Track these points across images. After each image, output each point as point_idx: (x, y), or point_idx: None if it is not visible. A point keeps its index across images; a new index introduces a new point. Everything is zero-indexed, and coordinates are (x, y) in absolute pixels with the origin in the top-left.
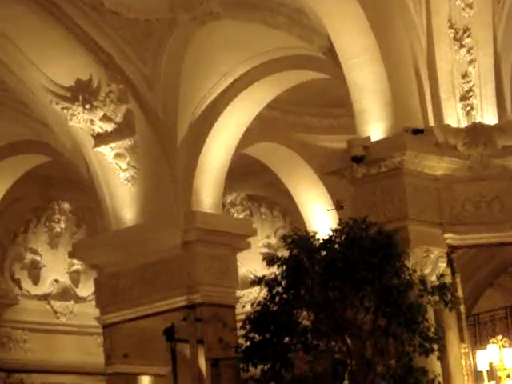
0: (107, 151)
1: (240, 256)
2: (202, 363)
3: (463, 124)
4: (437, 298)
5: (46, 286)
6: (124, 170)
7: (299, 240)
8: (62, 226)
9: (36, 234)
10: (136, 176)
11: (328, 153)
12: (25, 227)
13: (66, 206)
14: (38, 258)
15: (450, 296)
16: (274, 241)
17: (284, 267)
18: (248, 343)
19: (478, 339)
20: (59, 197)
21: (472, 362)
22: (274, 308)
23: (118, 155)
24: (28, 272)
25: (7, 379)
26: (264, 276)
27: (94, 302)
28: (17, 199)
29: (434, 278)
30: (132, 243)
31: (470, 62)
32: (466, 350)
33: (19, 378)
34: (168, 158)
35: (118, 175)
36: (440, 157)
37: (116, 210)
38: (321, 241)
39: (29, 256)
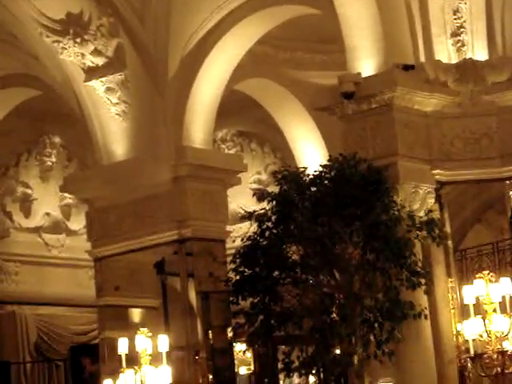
0: (98, 85)
1: (230, 191)
2: (193, 296)
3: (454, 60)
4: (425, 233)
5: (37, 219)
6: (115, 105)
7: (289, 176)
8: (53, 159)
9: (27, 168)
10: (127, 111)
11: (319, 89)
12: (16, 161)
13: (57, 139)
14: (30, 192)
15: (437, 231)
16: (264, 177)
17: (274, 203)
18: (238, 277)
19: (465, 274)
20: (50, 131)
21: (459, 297)
22: (264, 243)
23: (108, 89)
24: (19, 205)
25: None
26: (254, 211)
27: (85, 236)
28: (8, 133)
29: (422, 213)
30: (123, 178)
31: None
32: (453, 285)
33: (11, 309)
34: (159, 93)
35: (108, 109)
36: (430, 93)
37: (107, 144)
38: (311, 177)
39: (20, 189)
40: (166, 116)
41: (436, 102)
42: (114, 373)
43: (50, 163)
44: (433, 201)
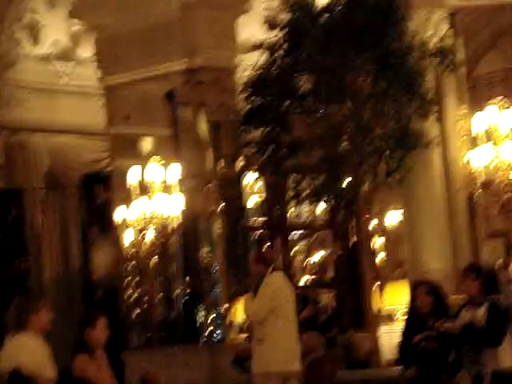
0: None
1: (242, 20)
2: (203, 126)
3: None
4: (437, 60)
5: (46, 47)
6: None
7: (301, 2)
8: None
9: None
10: None
11: None
12: None
13: None
14: (38, 18)
15: (450, 58)
16: (275, 3)
17: (285, 31)
18: (248, 107)
19: (477, 101)
20: None
21: (470, 124)
22: (275, 72)
23: None
24: (28, 32)
25: (10, 138)
26: (265, 40)
27: (95, 64)
28: None
29: (434, 41)
30: (133, 5)
31: None
32: (465, 112)
33: (22, 137)
34: None
35: None
36: None
37: None
38: (323, 3)
39: (28, 16)
40: None
41: None
42: (127, 200)
43: None
44: (446, 27)
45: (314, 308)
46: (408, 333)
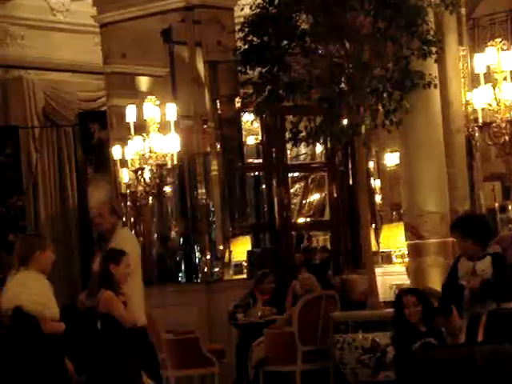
0: None
1: None
2: (200, 65)
3: None
4: (437, 0)
5: None
6: None
7: None
8: None
9: None
10: None
11: None
12: None
13: None
14: None
15: None
16: None
17: None
18: (246, 46)
19: (477, 43)
20: None
21: (470, 65)
22: (273, 11)
23: None
24: None
25: (5, 75)
26: None
27: (90, 1)
28: None
29: None
30: None
31: None
32: (465, 53)
33: (17, 74)
34: None
35: None
36: None
37: None
38: None
39: None
40: None
41: None
42: (123, 139)
43: None
44: None
45: (310, 250)
46: (401, 341)
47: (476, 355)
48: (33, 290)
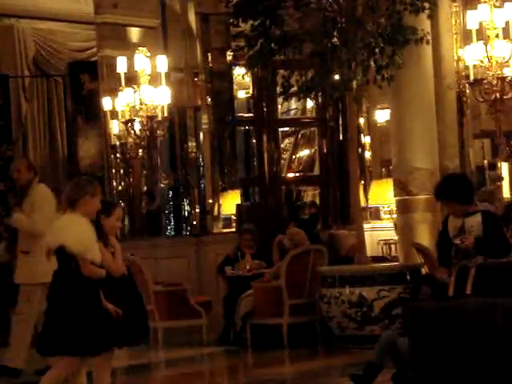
0: None
1: None
2: (192, 17)
3: None
4: None
5: None
6: None
7: None
8: None
9: None
10: None
11: None
12: None
13: None
14: None
15: None
16: None
17: None
18: None
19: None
20: None
21: (462, 21)
22: None
23: None
24: None
25: None
26: None
27: None
28: None
29: None
30: None
31: None
32: (457, 10)
33: (8, 23)
34: None
35: None
36: None
37: None
38: None
39: None
40: None
41: None
42: (113, 91)
43: None
44: None
45: (299, 205)
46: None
47: (467, 307)
48: (77, 232)
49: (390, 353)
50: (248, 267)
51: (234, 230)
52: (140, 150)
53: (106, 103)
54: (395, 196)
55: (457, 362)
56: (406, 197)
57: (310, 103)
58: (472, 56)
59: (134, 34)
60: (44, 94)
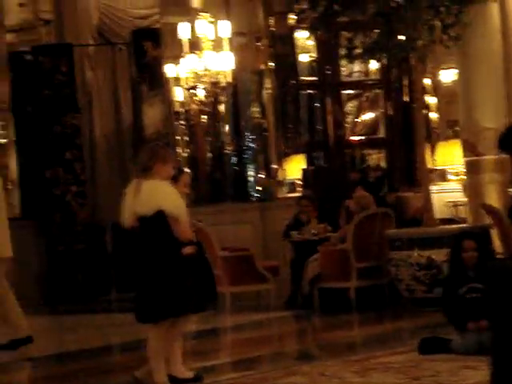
0: None
1: None
2: None
3: None
4: None
5: None
6: None
7: None
8: None
9: None
10: None
11: None
12: None
13: None
14: None
15: None
16: None
17: None
18: None
19: None
20: None
21: None
22: None
23: None
24: None
25: None
26: None
27: None
28: None
29: None
30: None
31: None
32: None
33: None
34: None
35: None
36: None
37: None
38: None
39: None
40: None
41: None
42: (176, 58)
43: None
44: None
45: (364, 168)
46: (450, 283)
47: None
48: (171, 196)
49: None
50: (314, 231)
51: (299, 194)
52: (204, 117)
53: (170, 70)
54: (464, 157)
55: None
56: (475, 157)
57: (373, 65)
58: None
59: None
60: (108, 63)
